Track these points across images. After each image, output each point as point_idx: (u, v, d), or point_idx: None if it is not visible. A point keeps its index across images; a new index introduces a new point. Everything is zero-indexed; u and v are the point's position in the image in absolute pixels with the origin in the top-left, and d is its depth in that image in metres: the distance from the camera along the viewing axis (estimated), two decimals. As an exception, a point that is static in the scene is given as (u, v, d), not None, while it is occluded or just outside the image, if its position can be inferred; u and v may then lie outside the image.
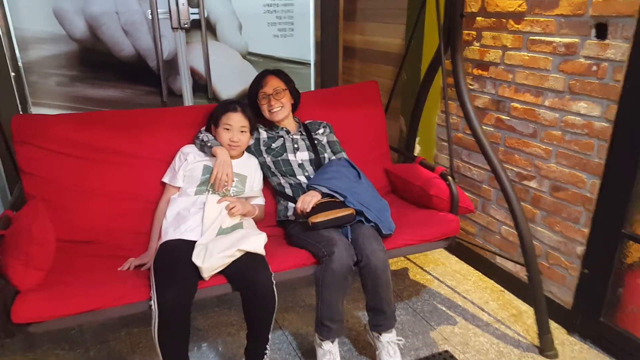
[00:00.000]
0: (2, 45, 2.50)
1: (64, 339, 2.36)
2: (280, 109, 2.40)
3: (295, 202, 2.29)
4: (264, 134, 2.46)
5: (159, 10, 2.70)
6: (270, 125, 2.48)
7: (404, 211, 2.41)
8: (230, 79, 2.99)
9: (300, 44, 3.10)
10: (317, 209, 2.12)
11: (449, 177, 2.31)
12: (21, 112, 2.62)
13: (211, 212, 2.11)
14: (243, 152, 2.41)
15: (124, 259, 2.06)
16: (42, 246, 1.74)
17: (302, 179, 2.36)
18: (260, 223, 2.36)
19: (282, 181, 2.39)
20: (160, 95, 2.90)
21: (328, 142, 2.51)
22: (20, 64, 2.60)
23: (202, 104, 2.91)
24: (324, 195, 2.18)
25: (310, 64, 3.14)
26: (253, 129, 2.38)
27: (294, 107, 2.54)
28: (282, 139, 2.44)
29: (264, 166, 2.43)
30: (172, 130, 2.42)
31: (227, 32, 2.92)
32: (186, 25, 2.71)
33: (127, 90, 2.87)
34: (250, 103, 2.46)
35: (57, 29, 2.61)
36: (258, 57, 3.03)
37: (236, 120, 2.28)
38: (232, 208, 2.13)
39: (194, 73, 2.87)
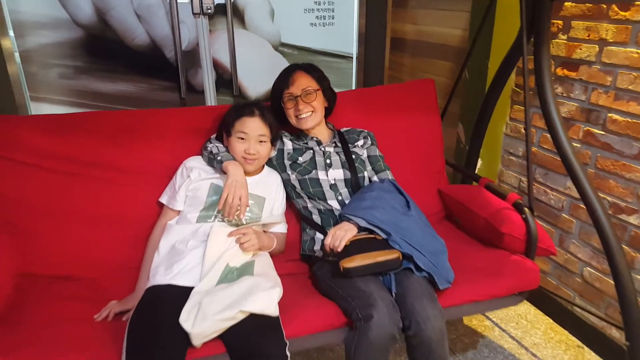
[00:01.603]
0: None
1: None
2: (311, 115, 1.83)
3: (324, 233, 1.74)
4: (289, 145, 1.89)
5: (178, -7, 2.26)
6: (298, 134, 1.92)
7: (463, 250, 1.80)
8: (260, 73, 2.54)
9: (342, 34, 2.61)
10: (351, 248, 1.55)
11: (526, 210, 1.68)
12: (17, 109, 2.24)
13: (216, 247, 1.58)
14: (263, 166, 1.84)
15: (104, 303, 1.55)
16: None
17: (335, 204, 1.79)
18: (280, 257, 1.80)
19: (309, 205, 1.83)
20: (178, 91, 2.47)
21: (369, 156, 1.92)
22: (16, 52, 2.22)
23: (226, 102, 2.49)
24: (360, 229, 1.61)
25: (352, 57, 2.64)
26: (275, 138, 1.82)
27: (328, 112, 1.97)
28: (312, 151, 1.86)
29: (287, 184, 1.87)
30: (177, 137, 1.89)
31: (256, 19, 2.47)
32: (209, 11, 2.28)
33: (140, 84, 2.46)
34: (273, 105, 1.90)
35: (59, 12, 2.21)
36: (292, 49, 2.57)
37: (253, 128, 1.72)
38: (244, 242, 1.60)
39: (217, 66, 2.44)
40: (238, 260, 1.59)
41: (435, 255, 1.58)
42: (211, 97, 2.45)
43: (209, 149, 1.78)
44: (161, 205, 1.78)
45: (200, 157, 1.82)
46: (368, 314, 1.39)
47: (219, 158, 1.71)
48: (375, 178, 1.88)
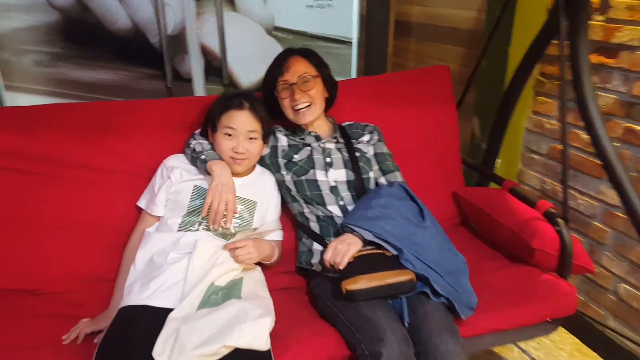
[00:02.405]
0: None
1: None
2: (309, 107, 1.55)
3: (323, 244, 1.48)
4: (283, 141, 1.62)
5: (161, -28, 2.03)
6: (294, 129, 1.64)
7: (484, 266, 1.52)
8: (252, 60, 2.30)
9: (341, 17, 2.35)
10: (356, 266, 1.29)
11: (560, 221, 1.40)
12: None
13: (200, 263, 1.32)
14: (254, 166, 1.57)
15: (74, 321, 1.32)
16: None
17: (335, 210, 1.51)
18: (273, 268, 1.55)
19: (306, 211, 1.56)
20: (163, 79, 2.24)
21: (375, 154, 1.64)
22: None
23: (216, 92, 2.25)
24: (366, 243, 1.34)
25: (352, 42, 2.38)
26: (267, 134, 1.54)
27: (329, 103, 1.68)
28: (309, 148, 1.59)
29: (281, 186, 1.60)
30: (159, 132, 1.63)
31: (248, 1, 2.25)
32: (196, -9, 2.04)
33: (122, 72, 2.23)
34: (265, 96, 1.63)
35: (33, -7, 2.00)
36: (287, 33, 2.32)
37: (242, 122, 1.46)
38: (240, 255, 1.35)
39: (206, 52, 2.22)
40: (225, 277, 1.33)
41: (455, 276, 1.30)
42: (200, 86, 2.23)
43: (191, 146, 1.51)
44: (140, 210, 1.52)
45: (182, 155, 1.55)
46: (376, 351, 1.12)
47: (202, 157, 1.44)
48: (382, 180, 1.60)
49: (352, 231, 1.35)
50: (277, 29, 2.30)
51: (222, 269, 1.33)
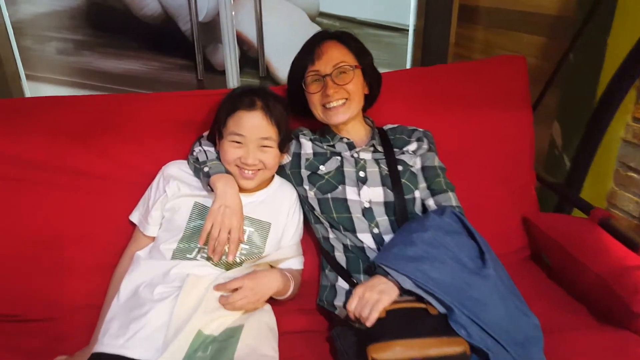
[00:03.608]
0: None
1: None
2: (344, 104, 1.23)
3: (350, 281, 1.17)
4: (308, 147, 1.30)
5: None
6: (322, 131, 1.32)
7: (563, 325, 1.11)
8: (292, 50, 2.09)
9: (396, 1, 2.06)
10: (388, 325, 0.95)
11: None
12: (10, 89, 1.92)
13: (190, 301, 1.02)
14: (272, 177, 1.26)
15: (52, 355, 1.08)
16: None
17: (367, 239, 1.18)
18: (288, 304, 1.24)
19: (331, 236, 1.24)
20: (195, 70, 2.07)
21: (424, 168, 1.27)
22: (7, 22, 1.87)
23: (251, 83, 2.05)
24: (403, 292, 0.99)
25: (408, 30, 2.09)
26: (285, 142, 1.22)
27: (369, 101, 1.34)
28: (339, 158, 1.25)
29: (304, 202, 1.28)
30: (164, 132, 1.35)
31: None
32: (232, -27, 1.84)
33: (151, 62, 2.08)
34: (291, 90, 1.32)
35: (55, -25, 1.85)
36: (333, 19, 2.05)
37: (253, 127, 1.15)
38: (234, 302, 1.05)
39: (241, 41, 2.01)
40: (219, 324, 1.03)
41: (526, 349, 0.92)
42: (234, 78, 2.00)
43: (195, 153, 1.21)
44: (135, 225, 1.25)
45: (186, 162, 1.26)
46: None
47: (205, 169, 1.15)
48: (431, 202, 1.23)
49: (386, 274, 1.00)
50: (322, 14, 2.04)
51: (214, 313, 1.03)
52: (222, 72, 1.98)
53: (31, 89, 1.95)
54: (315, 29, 2.02)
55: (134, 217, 1.25)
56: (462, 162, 1.40)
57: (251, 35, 1.99)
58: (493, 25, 2.26)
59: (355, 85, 1.23)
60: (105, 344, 0.99)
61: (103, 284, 1.21)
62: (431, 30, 2.08)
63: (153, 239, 1.20)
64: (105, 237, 1.27)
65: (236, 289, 1.05)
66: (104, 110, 1.33)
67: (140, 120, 1.34)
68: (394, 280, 0.99)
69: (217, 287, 1.06)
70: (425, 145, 1.29)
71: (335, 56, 1.23)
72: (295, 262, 1.27)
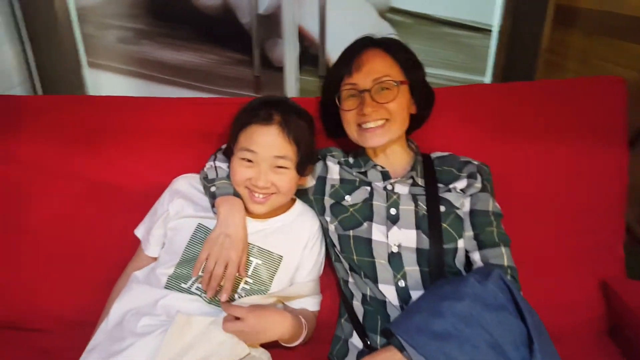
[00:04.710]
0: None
1: None
2: (383, 125, 1.01)
3: (364, 341, 0.98)
4: (334, 172, 1.10)
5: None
6: (355, 154, 1.12)
7: None
8: None
9: None
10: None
11: None
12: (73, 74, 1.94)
13: (177, 343, 0.87)
14: (293, 201, 1.09)
15: None
16: None
17: (390, 292, 0.97)
18: (299, 350, 1.03)
19: (350, 280, 1.05)
20: (251, 66, 1.95)
21: (473, 212, 1.01)
22: (71, 8, 1.86)
23: (310, 84, 1.96)
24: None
25: (491, 30, 1.87)
26: (305, 163, 1.03)
27: (416, 123, 1.12)
28: (369, 189, 1.05)
29: (326, 235, 1.10)
30: (180, 142, 1.22)
31: None
32: (296, -37, 1.75)
33: (207, 55, 2.01)
34: (324, 103, 1.14)
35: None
36: (405, 16, 1.87)
37: (267, 144, 0.98)
38: (226, 328, 0.90)
39: (303, 37, 1.90)
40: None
41: None
42: (292, 76, 1.91)
43: (205, 169, 1.06)
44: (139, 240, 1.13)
45: (198, 176, 1.11)
46: None
47: (212, 189, 0.99)
48: (476, 257, 0.97)
49: (402, 349, 0.78)
50: (393, 10, 1.88)
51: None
52: (280, 69, 1.89)
53: (90, 76, 1.94)
54: (384, 26, 1.85)
55: (139, 231, 1.11)
56: (528, 206, 1.15)
57: (313, 30, 1.87)
58: (594, 31, 1.94)
59: (399, 104, 1.01)
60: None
61: (104, 300, 1.08)
62: (520, 32, 1.86)
63: (155, 259, 1.06)
64: (104, 251, 1.17)
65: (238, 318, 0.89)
66: (110, 114, 1.22)
67: (151, 126, 1.22)
68: (408, 358, 0.77)
69: (227, 325, 0.89)
70: (478, 184, 1.02)
71: (377, 68, 1.01)
72: (311, 303, 1.07)
